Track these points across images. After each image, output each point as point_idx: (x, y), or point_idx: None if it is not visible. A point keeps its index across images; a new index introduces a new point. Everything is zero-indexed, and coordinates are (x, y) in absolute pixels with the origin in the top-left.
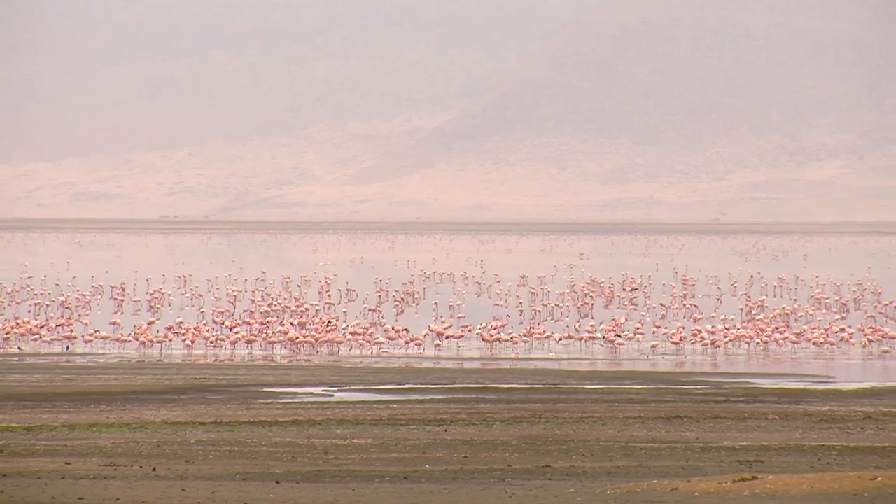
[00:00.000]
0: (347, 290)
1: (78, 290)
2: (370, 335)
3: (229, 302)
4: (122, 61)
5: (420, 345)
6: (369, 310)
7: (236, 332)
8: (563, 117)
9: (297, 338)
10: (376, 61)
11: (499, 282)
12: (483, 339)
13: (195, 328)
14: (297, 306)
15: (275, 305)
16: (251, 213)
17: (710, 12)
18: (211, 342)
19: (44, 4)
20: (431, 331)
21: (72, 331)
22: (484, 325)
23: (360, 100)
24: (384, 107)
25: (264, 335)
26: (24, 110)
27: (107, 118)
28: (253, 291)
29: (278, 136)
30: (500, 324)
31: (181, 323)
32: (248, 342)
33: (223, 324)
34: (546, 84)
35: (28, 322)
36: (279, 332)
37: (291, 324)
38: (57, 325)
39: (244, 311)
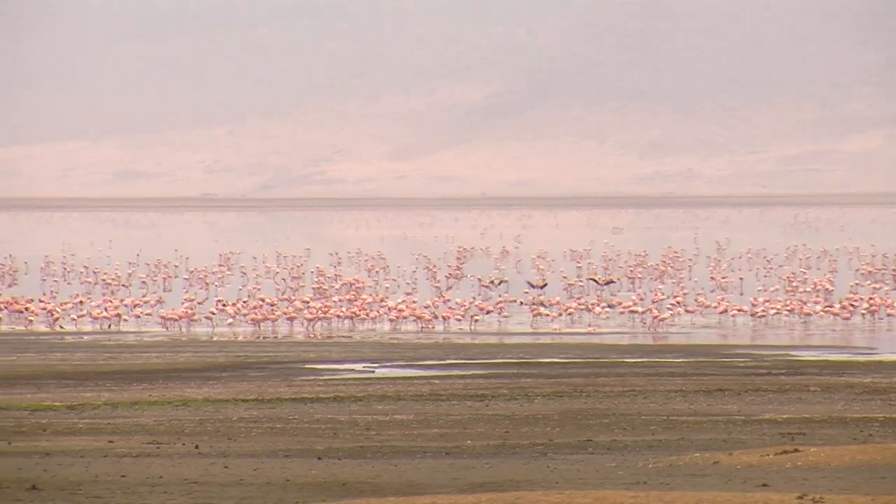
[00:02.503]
0: (387, 266)
1: (117, 268)
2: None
3: (279, 278)
4: (159, 39)
5: (460, 319)
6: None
7: (276, 309)
8: (601, 91)
9: (356, 314)
10: (413, 36)
11: (542, 257)
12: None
13: (237, 305)
14: (352, 283)
15: (325, 283)
16: (290, 191)
17: None
18: (252, 319)
19: None
20: (477, 307)
21: (118, 310)
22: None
23: (396, 75)
24: (421, 82)
25: (312, 312)
26: (62, 90)
27: (144, 96)
28: (294, 269)
29: (316, 112)
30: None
31: (220, 301)
32: (290, 319)
33: (264, 300)
34: (583, 58)
35: (75, 298)
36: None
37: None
38: (101, 304)
39: (284, 289)
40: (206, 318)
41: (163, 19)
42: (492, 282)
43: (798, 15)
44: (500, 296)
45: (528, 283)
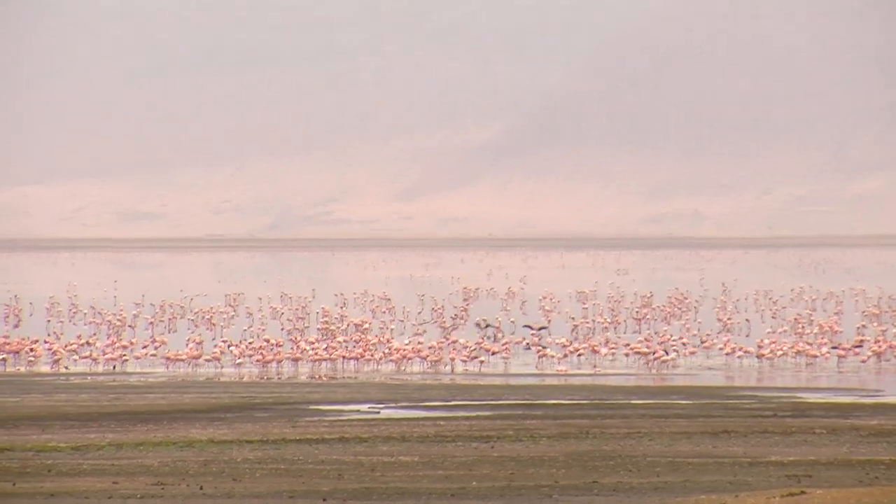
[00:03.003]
0: (393, 307)
1: (121, 310)
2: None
3: (285, 319)
4: (165, 79)
5: (466, 361)
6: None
7: (281, 350)
8: (607, 132)
9: (361, 355)
10: (420, 77)
11: (548, 298)
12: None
13: (242, 346)
14: (358, 324)
15: (331, 324)
16: (296, 231)
17: (753, 25)
18: (258, 360)
19: (88, 23)
20: (484, 349)
21: (123, 350)
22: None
23: (403, 116)
24: (428, 123)
25: (317, 353)
26: (68, 130)
27: (151, 136)
28: (299, 309)
29: (323, 152)
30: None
31: (226, 342)
32: (295, 360)
33: (269, 341)
34: (589, 98)
35: (79, 339)
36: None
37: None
38: (106, 345)
39: (290, 329)
40: (213, 358)
41: (169, 61)
42: (477, 323)
43: (805, 57)
44: (503, 337)
45: (526, 325)
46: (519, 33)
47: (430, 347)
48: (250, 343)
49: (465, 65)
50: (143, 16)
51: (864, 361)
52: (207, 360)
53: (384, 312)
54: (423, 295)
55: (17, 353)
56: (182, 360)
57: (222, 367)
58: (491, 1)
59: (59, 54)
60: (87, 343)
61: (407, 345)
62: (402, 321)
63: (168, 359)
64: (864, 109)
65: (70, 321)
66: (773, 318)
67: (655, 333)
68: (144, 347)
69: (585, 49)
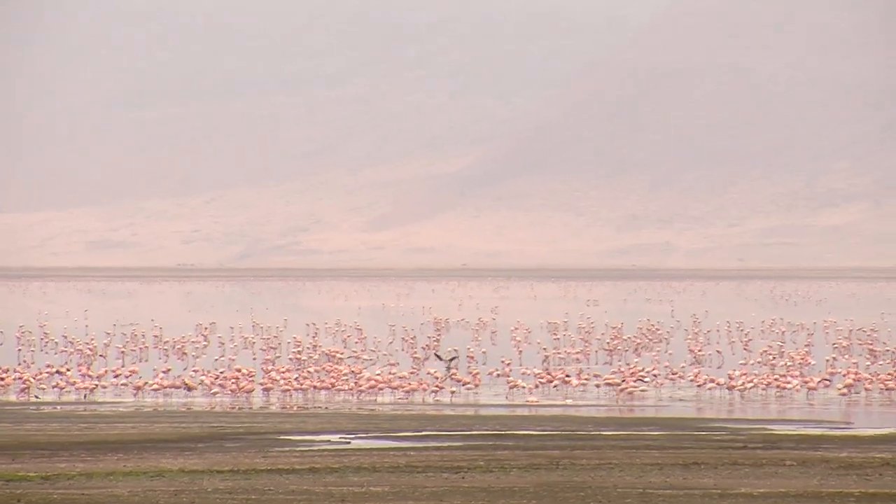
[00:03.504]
0: (364, 337)
1: (92, 339)
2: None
3: (257, 348)
4: (136, 108)
5: (436, 392)
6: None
7: (251, 380)
8: (578, 163)
9: (332, 385)
10: (392, 108)
11: (519, 328)
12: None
13: (214, 376)
14: (330, 354)
15: (303, 354)
16: (267, 261)
17: (725, 57)
18: (230, 390)
19: (62, 51)
20: (455, 379)
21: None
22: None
23: (376, 146)
24: (400, 153)
25: (289, 383)
26: (38, 157)
27: (121, 165)
28: (272, 338)
29: (294, 182)
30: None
31: (197, 371)
32: (266, 390)
33: (240, 371)
34: (561, 130)
35: (49, 368)
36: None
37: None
38: (78, 374)
39: (264, 359)
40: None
41: (141, 91)
42: (437, 355)
43: (774, 89)
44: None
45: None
46: (491, 66)
47: (401, 378)
48: (221, 373)
49: (437, 96)
50: (115, 46)
51: (843, 395)
52: (177, 388)
53: (356, 343)
54: (393, 325)
55: None
56: (162, 389)
57: (193, 397)
58: (463, 33)
59: (31, 84)
60: (59, 372)
61: (378, 375)
62: (374, 351)
63: (137, 388)
64: (833, 141)
65: (41, 350)
66: (744, 349)
67: (626, 364)
68: (116, 377)
69: (557, 82)
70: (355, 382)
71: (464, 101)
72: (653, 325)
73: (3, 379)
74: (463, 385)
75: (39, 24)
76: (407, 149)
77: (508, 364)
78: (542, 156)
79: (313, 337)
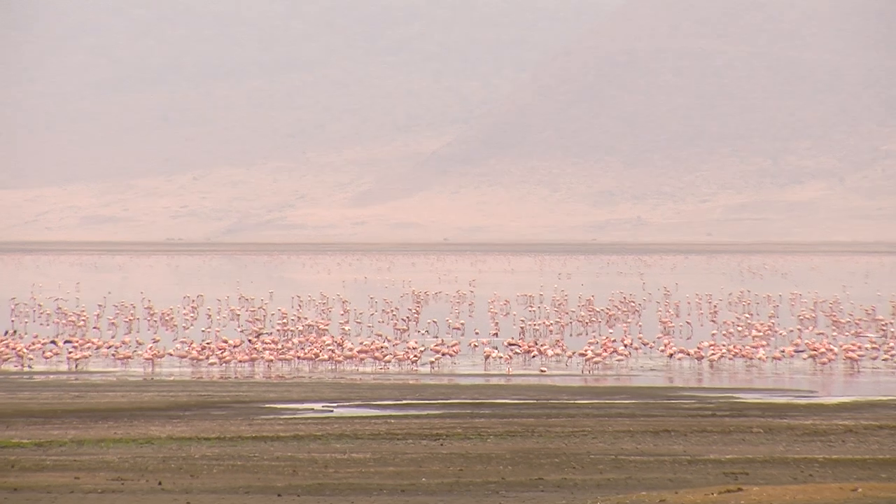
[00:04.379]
0: (348, 310)
1: (83, 310)
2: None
3: (243, 320)
4: (128, 91)
5: (416, 361)
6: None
7: (238, 350)
8: (554, 142)
9: (316, 355)
10: (374, 90)
11: (495, 301)
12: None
13: (201, 346)
14: (315, 325)
15: (289, 325)
16: (253, 236)
17: (693, 42)
18: (218, 359)
19: (56, 35)
20: (432, 349)
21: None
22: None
23: (358, 126)
24: (382, 133)
25: (276, 354)
26: (34, 136)
27: (113, 145)
28: (257, 310)
29: (280, 161)
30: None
31: (185, 341)
32: (252, 360)
33: (227, 341)
34: (537, 110)
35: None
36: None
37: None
38: (65, 342)
39: (247, 329)
40: (173, 354)
41: (132, 73)
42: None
43: (740, 73)
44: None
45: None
46: (469, 49)
47: (381, 348)
48: (208, 343)
49: (417, 78)
50: (108, 31)
51: (813, 359)
52: (166, 356)
53: (341, 315)
54: (373, 298)
55: None
56: (153, 358)
57: (180, 367)
58: (442, 18)
59: (27, 65)
60: (53, 342)
61: (360, 344)
62: (358, 323)
63: (147, 358)
64: (796, 123)
65: (34, 321)
66: (712, 321)
67: (599, 335)
68: (108, 347)
69: (532, 64)
70: (338, 352)
71: (442, 84)
72: (625, 297)
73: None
74: (442, 355)
75: (34, 10)
76: (388, 129)
77: (496, 333)
78: (519, 135)
79: (298, 309)
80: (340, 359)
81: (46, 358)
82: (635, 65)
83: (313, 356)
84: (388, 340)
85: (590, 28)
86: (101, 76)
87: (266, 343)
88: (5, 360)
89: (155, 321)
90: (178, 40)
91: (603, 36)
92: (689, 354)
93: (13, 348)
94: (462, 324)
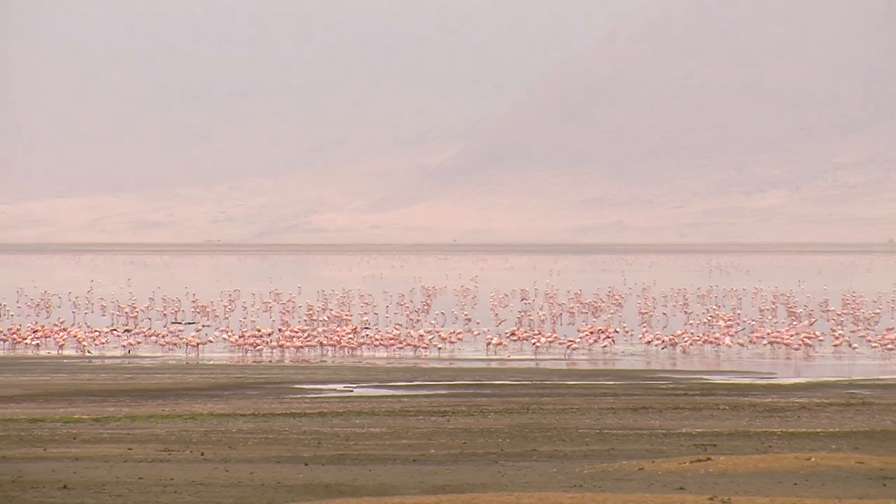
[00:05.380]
0: (367, 303)
1: (134, 303)
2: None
3: (275, 312)
4: (170, 110)
5: (426, 348)
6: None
7: (271, 338)
8: (547, 155)
9: (338, 342)
10: (387, 109)
11: (495, 295)
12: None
13: (240, 335)
14: (339, 316)
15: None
16: (282, 238)
17: (670, 66)
18: (250, 346)
19: (106, 59)
20: (440, 337)
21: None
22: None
23: (373, 141)
24: (394, 147)
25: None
26: (90, 152)
27: (159, 158)
28: (287, 303)
29: (304, 172)
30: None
31: (224, 330)
32: (282, 347)
33: (260, 330)
34: (531, 127)
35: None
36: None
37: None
38: (123, 331)
39: (281, 321)
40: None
41: (173, 94)
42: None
43: (713, 94)
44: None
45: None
46: (471, 72)
47: (395, 336)
48: (245, 332)
49: (425, 98)
50: (151, 56)
51: (772, 345)
52: (207, 343)
53: (362, 307)
54: (388, 292)
55: (48, 338)
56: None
57: (217, 353)
58: (447, 44)
59: (85, 88)
60: (114, 331)
61: (376, 333)
62: (375, 314)
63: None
64: (759, 139)
65: (92, 312)
66: (684, 312)
67: (586, 325)
68: (155, 335)
69: (527, 85)
70: (356, 340)
71: (447, 103)
72: (609, 291)
73: (59, 334)
74: (447, 342)
75: (86, 38)
76: (399, 143)
77: (499, 324)
78: (515, 149)
79: (323, 302)
80: (357, 345)
81: (100, 344)
82: (618, 86)
83: (335, 343)
84: (399, 325)
85: (578, 53)
86: (147, 97)
87: (294, 331)
88: (61, 345)
89: (197, 312)
90: (212, 65)
91: (590, 60)
92: (664, 341)
93: (73, 336)
94: (468, 316)
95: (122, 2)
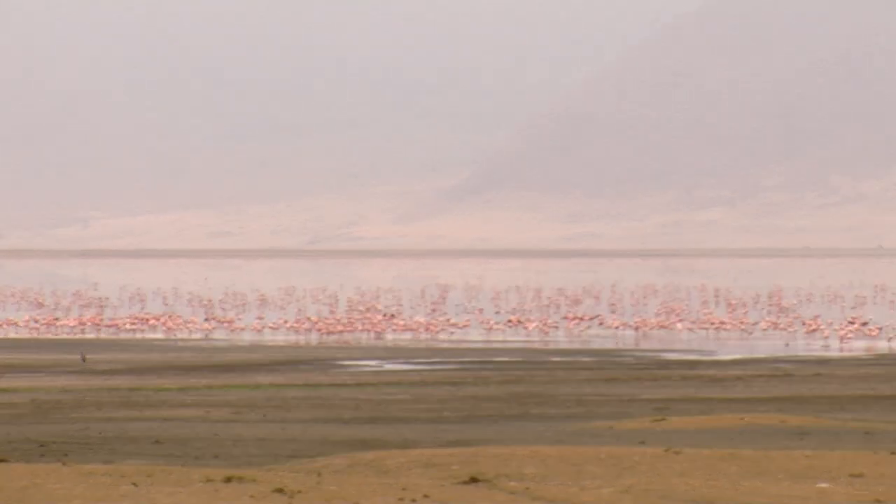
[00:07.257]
0: (396, 297)
1: (210, 298)
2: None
3: (322, 304)
4: (233, 143)
5: (441, 332)
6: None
7: (319, 325)
8: (538, 178)
9: (372, 328)
10: (410, 141)
11: (496, 291)
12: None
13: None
14: (375, 307)
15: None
16: (328, 245)
17: (636, 107)
18: (303, 331)
19: (186, 97)
20: (452, 324)
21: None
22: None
23: (400, 167)
24: (416, 172)
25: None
26: (174, 175)
27: (228, 182)
28: (332, 297)
29: (345, 192)
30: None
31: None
32: (328, 332)
33: (310, 319)
34: (525, 156)
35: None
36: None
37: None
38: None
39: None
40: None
41: (233, 129)
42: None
43: (669, 130)
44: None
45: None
46: (477, 111)
47: (416, 323)
48: (298, 320)
49: (440, 133)
50: (214, 95)
51: (714, 329)
52: (263, 330)
53: (390, 300)
54: (412, 289)
55: (147, 324)
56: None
57: (276, 336)
58: (457, 89)
59: (173, 127)
60: (216, 319)
61: (403, 322)
62: (401, 306)
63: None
64: (705, 164)
65: (177, 304)
66: (646, 304)
67: (568, 313)
68: (229, 322)
69: (522, 122)
70: (387, 325)
71: (457, 136)
72: (586, 287)
73: (152, 321)
74: (458, 328)
75: (164, 81)
76: (420, 169)
77: (498, 312)
78: (512, 174)
79: (360, 296)
80: (386, 330)
81: (185, 329)
82: (594, 124)
83: (370, 328)
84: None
85: (562, 95)
86: (213, 132)
87: (337, 319)
88: (139, 329)
89: (260, 305)
90: (271, 107)
91: (572, 101)
92: (630, 326)
93: (163, 323)
94: (476, 308)
95: (207, 61)
